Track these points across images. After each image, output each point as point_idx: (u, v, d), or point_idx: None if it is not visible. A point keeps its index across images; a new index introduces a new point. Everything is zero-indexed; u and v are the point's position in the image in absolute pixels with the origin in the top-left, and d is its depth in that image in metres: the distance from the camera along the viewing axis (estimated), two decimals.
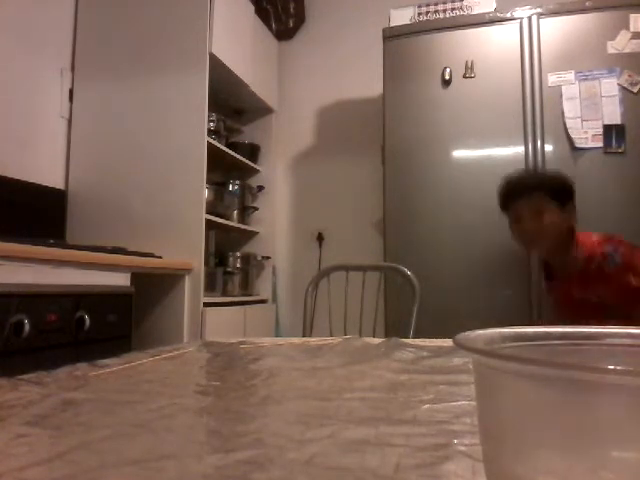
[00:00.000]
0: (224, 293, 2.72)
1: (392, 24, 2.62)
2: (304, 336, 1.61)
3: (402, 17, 2.65)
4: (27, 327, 1.46)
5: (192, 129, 2.42)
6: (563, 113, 2.20)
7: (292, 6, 3.32)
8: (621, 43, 2.18)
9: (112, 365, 0.66)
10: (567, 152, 2.18)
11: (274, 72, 3.31)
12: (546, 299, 2.01)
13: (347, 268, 1.71)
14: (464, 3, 2.58)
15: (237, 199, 2.93)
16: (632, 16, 2.17)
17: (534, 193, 1.62)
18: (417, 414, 0.44)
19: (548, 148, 2.21)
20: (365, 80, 3.11)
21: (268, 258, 3.12)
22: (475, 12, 2.52)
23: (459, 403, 0.47)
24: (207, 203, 2.45)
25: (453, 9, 2.59)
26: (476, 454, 0.32)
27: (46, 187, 2.38)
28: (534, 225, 1.60)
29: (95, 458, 0.33)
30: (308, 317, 1.59)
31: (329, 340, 0.97)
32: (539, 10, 2.30)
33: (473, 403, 0.26)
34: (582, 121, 2.18)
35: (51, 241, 1.87)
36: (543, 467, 0.22)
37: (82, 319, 1.68)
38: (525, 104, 2.25)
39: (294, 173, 3.33)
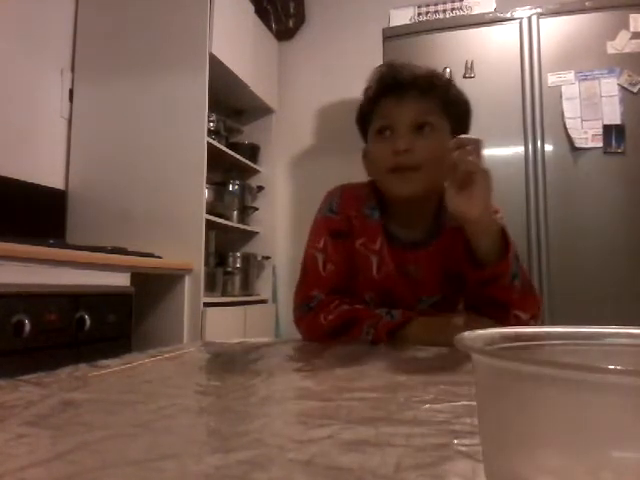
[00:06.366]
0: (224, 293, 2.72)
1: (392, 24, 2.62)
2: None
3: (402, 17, 2.65)
4: (27, 327, 1.46)
5: (192, 129, 2.42)
6: (563, 113, 2.20)
7: (292, 6, 3.32)
8: (621, 43, 2.18)
9: (112, 365, 0.66)
10: (567, 152, 2.18)
11: (274, 72, 3.31)
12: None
13: None
14: (464, 3, 2.58)
15: (237, 199, 2.93)
16: (632, 16, 2.17)
17: (429, 95, 1.03)
18: (417, 414, 0.44)
19: (548, 148, 2.21)
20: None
21: (268, 258, 3.12)
22: (475, 12, 2.52)
23: (459, 403, 0.47)
24: (207, 203, 2.45)
25: (453, 9, 2.60)
26: (476, 454, 0.32)
27: (46, 187, 2.38)
28: (421, 144, 0.98)
29: (95, 458, 0.33)
30: None
31: None
32: (539, 10, 2.30)
33: (473, 403, 0.26)
34: (582, 121, 2.18)
35: (51, 241, 1.87)
36: (543, 467, 0.22)
37: (82, 319, 1.68)
38: (525, 104, 2.25)
39: (294, 173, 3.33)
